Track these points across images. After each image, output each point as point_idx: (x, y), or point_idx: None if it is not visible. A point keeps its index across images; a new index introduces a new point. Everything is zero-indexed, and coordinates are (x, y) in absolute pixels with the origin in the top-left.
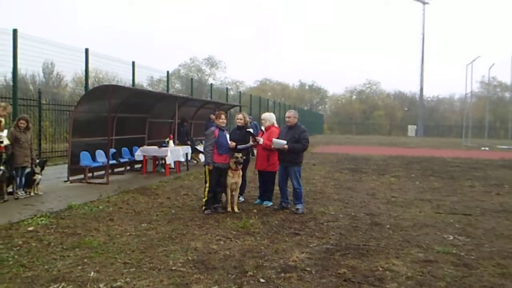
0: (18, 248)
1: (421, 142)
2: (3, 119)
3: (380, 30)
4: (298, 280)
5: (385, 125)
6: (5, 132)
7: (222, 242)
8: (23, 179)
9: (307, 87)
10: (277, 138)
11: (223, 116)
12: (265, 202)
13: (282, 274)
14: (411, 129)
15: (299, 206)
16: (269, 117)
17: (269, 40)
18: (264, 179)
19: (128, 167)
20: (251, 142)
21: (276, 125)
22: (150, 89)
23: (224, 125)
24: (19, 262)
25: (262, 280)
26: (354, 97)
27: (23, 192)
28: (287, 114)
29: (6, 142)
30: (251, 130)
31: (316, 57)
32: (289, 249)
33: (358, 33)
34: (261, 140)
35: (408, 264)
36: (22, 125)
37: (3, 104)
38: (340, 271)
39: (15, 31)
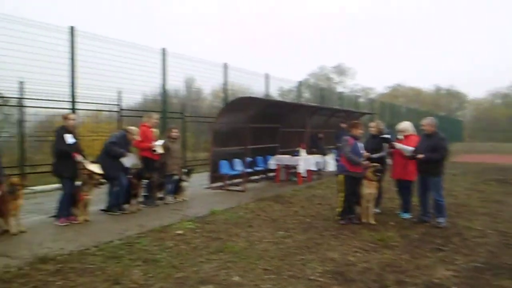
0: (169, 250)
1: None
2: (156, 130)
3: None
4: None
5: None
6: (160, 142)
7: (359, 254)
8: (172, 185)
9: (443, 91)
10: (416, 146)
11: (360, 127)
12: (401, 214)
13: None
14: None
15: (441, 220)
16: (407, 126)
17: (399, 43)
18: (400, 189)
19: (263, 176)
20: (383, 153)
21: (414, 133)
22: (281, 99)
23: (360, 135)
24: (171, 263)
25: None
26: (499, 101)
27: (171, 197)
28: (422, 122)
29: (159, 151)
30: (388, 136)
31: (453, 58)
32: (432, 265)
33: (498, 29)
34: (398, 145)
35: None
36: (174, 135)
37: (149, 114)
38: None
39: (164, 50)
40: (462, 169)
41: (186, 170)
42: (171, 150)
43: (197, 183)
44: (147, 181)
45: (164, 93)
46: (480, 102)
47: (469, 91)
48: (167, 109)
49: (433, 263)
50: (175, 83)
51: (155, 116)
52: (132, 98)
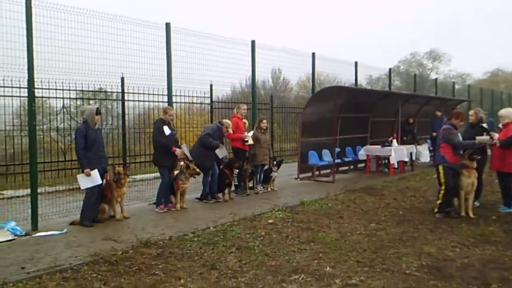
0: (261, 238)
1: None
2: (246, 121)
3: None
4: None
5: None
6: (251, 133)
7: (458, 250)
8: (262, 175)
9: None
10: None
11: (462, 117)
12: (501, 208)
13: None
14: None
15: None
16: (506, 113)
17: (499, 25)
18: (501, 180)
19: (352, 166)
20: (486, 139)
21: None
22: (369, 87)
23: (461, 126)
24: (264, 251)
25: None
26: None
27: (261, 187)
28: None
29: (250, 141)
30: (485, 125)
31: None
32: None
33: None
34: (496, 135)
35: None
36: (263, 125)
37: (238, 105)
38: None
39: (253, 42)
40: None
41: (275, 161)
42: (261, 140)
43: (285, 173)
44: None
45: (253, 84)
46: None
47: None
48: (255, 100)
49: None
50: (263, 75)
51: (243, 107)
52: (221, 91)
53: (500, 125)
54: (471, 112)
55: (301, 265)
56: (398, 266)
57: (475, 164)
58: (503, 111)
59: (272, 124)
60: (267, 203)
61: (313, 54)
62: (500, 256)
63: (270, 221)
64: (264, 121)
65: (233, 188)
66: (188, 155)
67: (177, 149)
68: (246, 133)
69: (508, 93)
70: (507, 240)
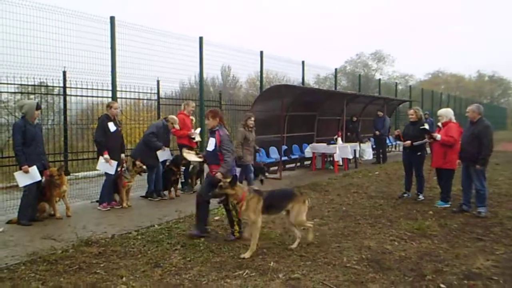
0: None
1: None
2: (193, 118)
3: None
4: None
5: None
6: (198, 130)
7: (396, 243)
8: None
9: (486, 78)
10: (459, 134)
11: None
12: (438, 203)
13: (465, 281)
14: None
15: (481, 210)
16: (445, 112)
17: (439, 29)
18: (441, 177)
19: (298, 164)
20: (426, 139)
21: (454, 120)
22: (317, 86)
23: None
24: (209, 248)
25: (442, 286)
26: None
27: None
28: (467, 109)
29: (198, 138)
30: (426, 126)
31: (497, 44)
32: (471, 255)
33: None
34: (438, 136)
35: None
36: (251, 123)
37: (186, 102)
38: None
39: (201, 39)
40: (505, 158)
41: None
42: (249, 139)
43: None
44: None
45: (201, 81)
46: None
47: None
48: (203, 97)
49: (473, 253)
50: (212, 72)
51: (192, 104)
52: (169, 87)
53: (440, 124)
54: (411, 111)
55: (246, 261)
56: (339, 260)
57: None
58: (442, 111)
59: None
60: (214, 200)
61: (261, 52)
62: (435, 248)
63: (217, 218)
64: (252, 118)
65: (180, 185)
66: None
67: (105, 156)
68: (193, 130)
69: (447, 94)
70: (442, 234)
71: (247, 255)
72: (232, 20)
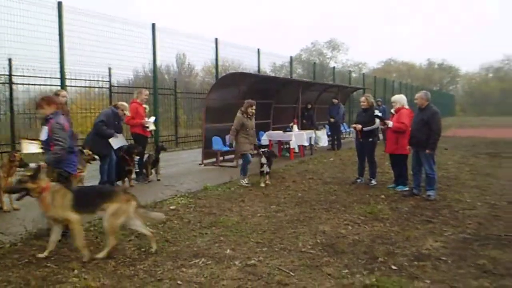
0: (162, 225)
1: None
2: (147, 106)
3: None
4: (433, 269)
5: None
6: (152, 119)
7: (350, 227)
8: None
9: (436, 66)
10: (411, 120)
11: None
12: (398, 187)
13: (415, 262)
14: None
15: (431, 193)
16: (399, 99)
17: (393, 17)
18: (394, 163)
19: (255, 151)
20: (377, 124)
21: (406, 106)
22: (273, 74)
23: None
24: (164, 238)
25: (394, 267)
26: (491, 75)
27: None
28: (415, 96)
29: (152, 127)
30: (379, 113)
31: (446, 33)
32: (421, 237)
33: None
34: (390, 123)
35: None
36: (251, 111)
37: (139, 90)
38: (479, 262)
39: (153, 25)
40: (453, 143)
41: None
42: (247, 127)
43: (190, 159)
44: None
45: (155, 69)
46: (473, 77)
47: (462, 66)
48: (157, 85)
49: (423, 235)
50: (167, 59)
51: (145, 92)
52: (123, 75)
53: (393, 111)
54: (362, 98)
55: (202, 249)
56: (295, 245)
57: None
58: (395, 97)
59: (176, 110)
60: (170, 189)
61: (216, 39)
62: (387, 231)
63: (172, 207)
64: (254, 106)
65: (134, 175)
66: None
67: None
68: (147, 119)
69: (399, 81)
70: (394, 217)
71: (101, 255)
72: (187, 7)
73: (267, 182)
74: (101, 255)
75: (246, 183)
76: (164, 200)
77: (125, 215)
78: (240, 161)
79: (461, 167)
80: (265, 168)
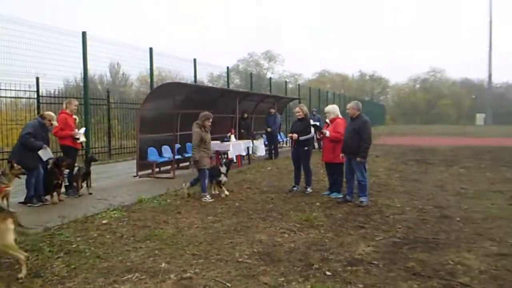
0: (93, 240)
1: (490, 130)
2: (77, 117)
3: (444, 14)
4: (365, 273)
5: (451, 114)
6: (82, 130)
7: (286, 235)
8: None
9: (367, 77)
10: (344, 129)
11: None
12: (333, 194)
13: (349, 267)
14: (480, 117)
15: (363, 199)
16: (332, 109)
17: (327, 31)
18: (331, 171)
19: (193, 162)
20: (312, 133)
21: (340, 116)
22: (211, 85)
23: None
24: (95, 254)
25: (328, 273)
26: (418, 86)
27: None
28: (347, 106)
29: (82, 139)
30: (317, 123)
31: (377, 47)
32: (354, 242)
33: (420, 18)
34: (327, 132)
35: (481, 258)
36: (209, 124)
37: (69, 100)
38: (408, 265)
39: (84, 34)
40: (383, 151)
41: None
42: (206, 141)
43: (124, 171)
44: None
45: (85, 78)
46: (401, 88)
47: (391, 77)
48: (89, 95)
49: (355, 240)
50: (100, 69)
51: (75, 102)
52: (53, 85)
53: (327, 120)
54: (297, 109)
55: (136, 264)
56: (231, 255)
57: None
58: (329, 108)
59: (109, 121)
60: (102, 203)
61: (151, 49)
62: (322, 238)
63: (104, 221)
64: (211, 119)
65: (64, 189)
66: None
67: None
68: (77, 130)
69: (333, 92)
70: (328, 224)
71: (22, 274)
72: (124, 17)
73: (226, 193)
74: (22, 274)
75: (210, 199)
76: (95, 214)
77: (7, 235)
78: (177, 172)
79: (391, 174)
80: (223, 178)
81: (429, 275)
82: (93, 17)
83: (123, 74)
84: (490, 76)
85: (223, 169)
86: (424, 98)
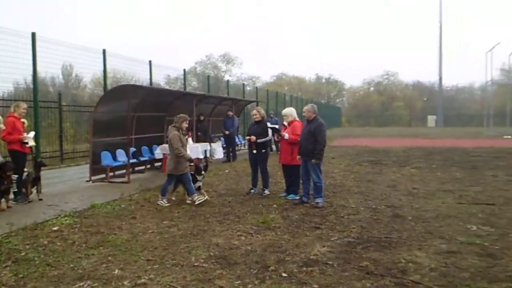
0: (43, 247)
1: (441, 132)
2: (26, 121)
3: (397, 19)
4: (320, 273)
5: (404, 116)
6: (31, 134)
7: (243, 238)
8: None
9: (324, 80)
10: (301, 132)
11: None
12: (290, 196)
13: (304, 268)
14: (431, 119)
15: (319, 200)
16: (289, 112)
17: (284, 34)
18: (288, 173)
19: (149, 166)
20: (270, 136)
21: (297, 119)
22: (168, 87)
23: None
24: (45, 262)
25: (284, 275)
26: (372, 89)
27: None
28: (303, 109)
29: (31, 143)
30: (275, 126)
31: (333, 50)
32: (310, 243)
33: (375, 23)
34: (286, 135)
35: (431, 255)
36: (186, 125)
37: (17, 103)
38: (362, 264)
39: (33, 35)
40: (339, 153)
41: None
42: (184, 144)
43: (76, 176)
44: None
45: (34, 80)
46: (356, 90)
47: (346, 80)
48: (37, 98)
49: (311, 241)
50: (52, 71)
51: (23, 106)
52: (1, 87)
53: (285, 123)
54: (254, 111)
55: (87, 271)
56: (187, 260)
57: None
58: (286, 111)
59: (61, 124)
60: (53, 209)
61: (104, 50)
62: (278, 240)
63: (55, 228)
64: (188, 120)
65: (12, 195)
66: None
67: None
68: (25, 134)
69: (291, 94)
70: (285, 225)
71: None
72: (82, 19)
73: (206, 197)
74: None
75: (199, 200)
76: (46, 221)
77: None
78: (132, 176)
79: (347, 175)
80: (199, 183)
81: (382, 273)
82: (92, 17)
83: (76, 76)
84: (440, 79)
85: (200, 178)
86: (378, 101)
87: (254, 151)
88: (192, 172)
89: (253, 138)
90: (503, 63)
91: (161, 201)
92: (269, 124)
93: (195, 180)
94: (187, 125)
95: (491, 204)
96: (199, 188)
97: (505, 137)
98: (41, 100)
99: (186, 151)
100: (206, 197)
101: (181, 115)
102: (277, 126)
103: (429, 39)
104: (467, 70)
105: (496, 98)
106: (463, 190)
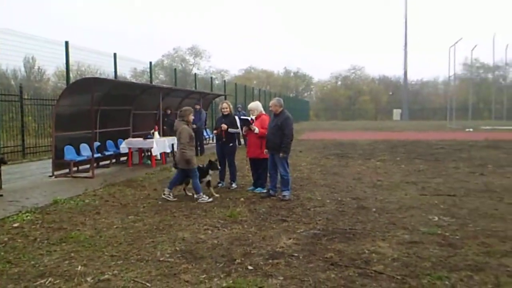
0: (3, 245)
1: (406, 125)
2: None
3: (363, 14)
4: (286, 266)
5: (370, 110)
6: None
7: (209, 232)
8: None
9: (292, 74)
10: (268, 125)
11: None
12: (258, 189)
13: (270, 261)
14: (396, 113)
15: (285, 193)
16: (256, 106)
17: (253, 28)
18: (256, 167)
19: (114, 160)
20: (238, 129)
21: (264, 112)
22: (134, 80)
23: None
24: (5, 259)
25: (250, 267)
26: (339, 83)
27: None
28: (270, 103)
29: None
30: (248, 118)
31: (301, 44)
32: (276, 236)
33: (342, 18)
34: (256, 129)
35: (394, 246)
36: (192, 118)
37: None
38: (327, 256)
39: None
40: (307, 146)
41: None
42: (193, 138)
43: (39, 171)
44: None
45: None
46: (324, 84)
47: (314, 74)
48: None
49: (277, 234)
50: (13, 63)
51: None
52: None
53: (253, 117)
54: (225, 104)
55: (49, 268)
56: (153, 255)
57: None
58: (252, 105)
59: (23, 118)
60: (14, 205)
61: (67, 42)
62: (245, 233)
63: (16, 225)
64: (193, 112)
65: None
66: None
67: None
68: None
69: (259, 88)
70: (252, 218)
71: None
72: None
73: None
74: None
75: (208, 199)
76: (6, 217)
77: None
78: (97, 171)
79: (313, 168)
80: (209, 177)
81: (346, 264)
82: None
83: (38, 68)
84: (405, 73)
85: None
86: (345, 95)
87: (224, 139)
88: (202, 165)
89: (224, 126)
90: (465, 58)
91: (202, 198)
92: (240, 117)
93: (205, 175)
94: (193, 118)
95: (452, 195)
96: (208, 184)
97: (467, 130)
98: (1, 94)
99: (193, 145)
100: (211, 198)
101: (186, 107)
102: (249, 119)
103: (394, 34)
104: (432, 65)
105: (459, 92)
106: (426, 182)
